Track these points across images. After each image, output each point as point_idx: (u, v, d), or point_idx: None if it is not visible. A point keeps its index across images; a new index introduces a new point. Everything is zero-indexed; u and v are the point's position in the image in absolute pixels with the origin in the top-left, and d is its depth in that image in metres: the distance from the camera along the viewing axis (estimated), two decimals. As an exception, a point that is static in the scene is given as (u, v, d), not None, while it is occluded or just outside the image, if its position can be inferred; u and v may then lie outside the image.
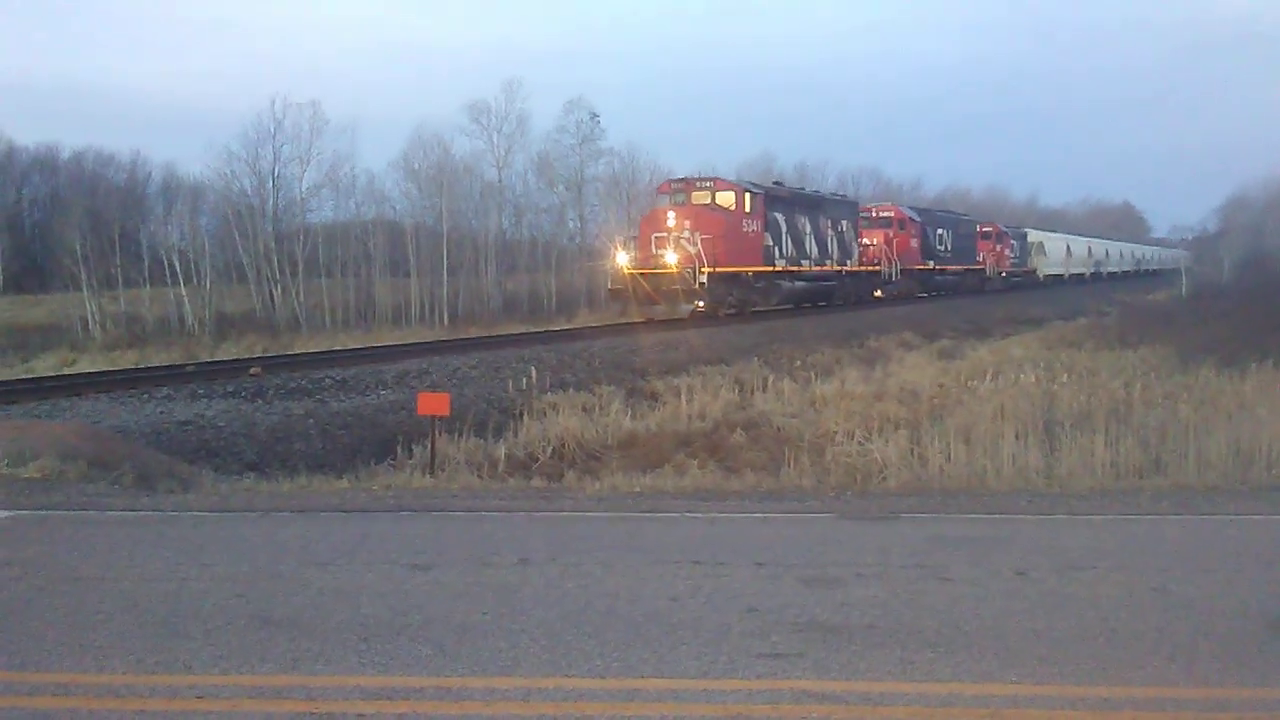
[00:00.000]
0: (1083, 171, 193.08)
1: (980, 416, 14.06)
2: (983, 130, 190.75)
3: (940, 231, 50.85)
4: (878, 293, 43.75)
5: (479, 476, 11.73)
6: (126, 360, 29.27)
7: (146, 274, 48.94)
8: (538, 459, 14.04)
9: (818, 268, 37.42)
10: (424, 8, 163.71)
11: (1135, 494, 9.41)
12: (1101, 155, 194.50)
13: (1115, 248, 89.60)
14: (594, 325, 30.81)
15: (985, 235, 58.57)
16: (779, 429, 15.54)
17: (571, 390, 18.97)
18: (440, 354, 20.91)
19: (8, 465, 10.27)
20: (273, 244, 49.99)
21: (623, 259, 30.52)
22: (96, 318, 44.32)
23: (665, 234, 30.00)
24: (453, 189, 53.05)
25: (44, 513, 8.66)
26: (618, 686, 4.77)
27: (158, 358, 30.61)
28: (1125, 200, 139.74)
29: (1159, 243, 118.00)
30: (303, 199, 53.25)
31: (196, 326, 44.92)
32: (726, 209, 31.46)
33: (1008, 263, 60.77)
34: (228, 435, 13.68)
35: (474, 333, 34.26)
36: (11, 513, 8.57)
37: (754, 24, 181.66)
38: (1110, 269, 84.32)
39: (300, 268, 49.60)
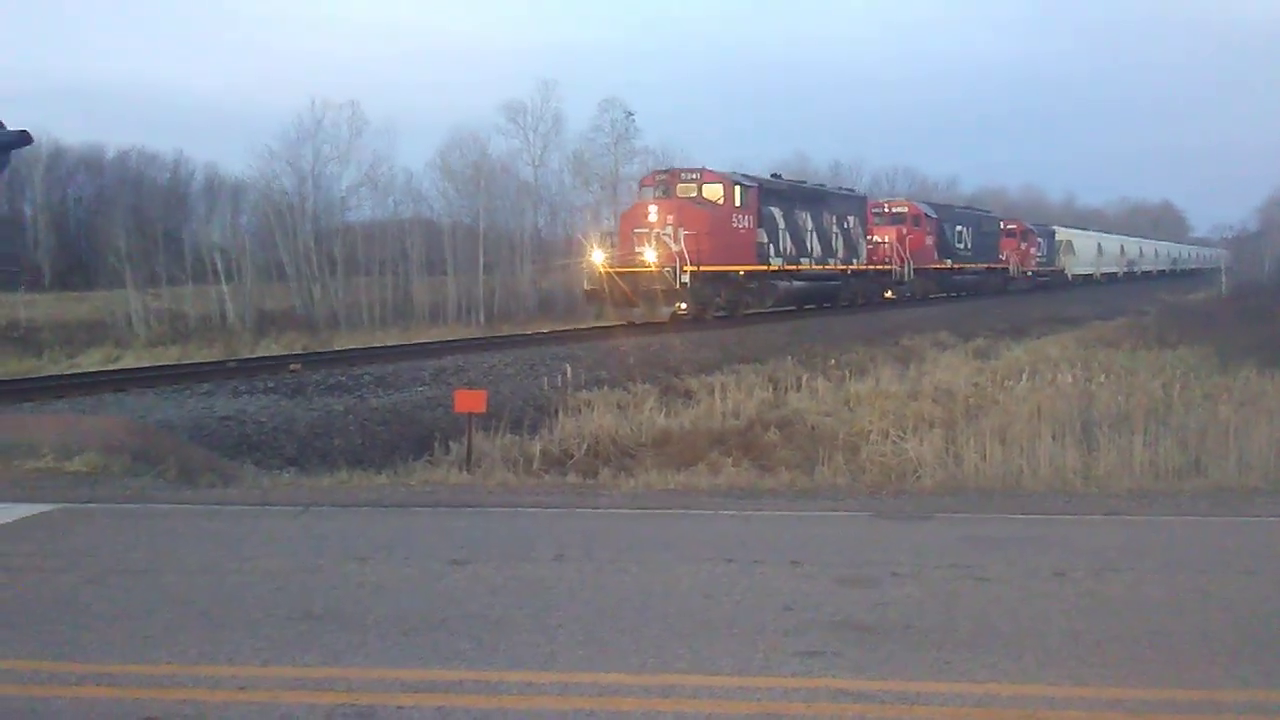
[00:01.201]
0: (1121, 171, 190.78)
1: (1016, 416, 13.95)
2: (1019, 129, 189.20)
3: (959, 228, 48.63)
4: (888, 293, 41.38)
5: (514, 473, 11.80)
6: (169, 356, 29.66)
7: (189, 272, 49.62)
8: (572, 456, 14.10)
9: (820, 266, 35.03)
10: (462, 9, 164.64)
11: (1175, 495, 9.31)
12: (1141, 154, 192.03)
13: (1150, 246, 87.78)
14: (623, 325, 29.05)
15: (1009, 233, 56.54)
16: (813, 427, 15.50)
17: (606, 388, 19.03)
18: (476, 351, 21.05)
19: (54, 459, 10.46)
20: (312, 242, 50.49)
21: (598, 257, 28.03)
22: (140, 314, 44.95)
23: (647, 230, 27.57)
24: (489, 188, 53.33)
25: (90, 506, 8.83)
26: (654, 683, 4.80)
27: (200, 354, 31.00)
28: (1165, 199, 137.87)
29: (1198, 242, 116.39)
30: (342, 198, 53.77)
31: (238, 323, 45.46)
32: (714, 203, 29.09)
33: (1033, 262, 58.87)
34: (268, 431, 13.85)
35: (509, 330, 34.38)
36: (58, 505, 8.74)
37: (790, 24, 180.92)
38: (1145, 268, 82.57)
39: (339, 266, 50.06)
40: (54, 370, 26.61)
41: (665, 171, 30.81)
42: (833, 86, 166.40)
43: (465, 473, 11.43)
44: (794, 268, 33.11)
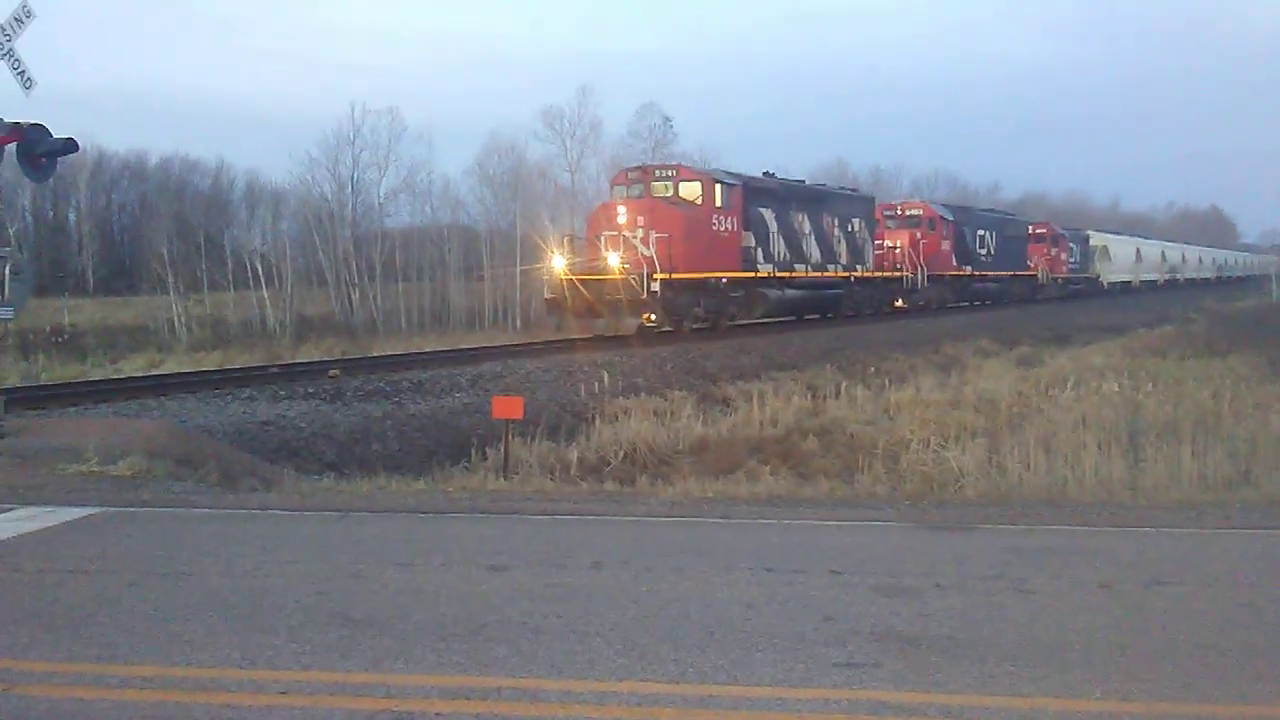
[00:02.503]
0: (1169, 176, 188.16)
1: (1061, 425, 13.80)
2: (1063, 134, 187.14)
3: (981, 233, 45.70)
4: (899, 302, 38.59)
5: (552, 480, 11.81)
6: (211, 361, 30.06)
7: (230, 277, 50.27)
8: (609, 463, 14.11)
9: (818, 273, 32.21)
10: (501, 15, 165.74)
11: (1224, 507, 9.12)
12: (1189, 159, 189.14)
13: (1194, 252, 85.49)
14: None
15: (1038, 238, 53.77)
16: (852, 436, 15.42)
17: (643, 394, 19.04)
18: (514, 357, 21.15)
19: (99, 463, 10.61)
20: (351, 248, 50.98)
21: (558, 262, 25.21)
22: (182, 319, 45.56)
23: (615, 233, 24.93)
24: (527, 193, 53.53)
25: (133, 509, 8.92)
26: (692, 692, 4.76)
27: (240, 359, 31.34)
28: (1213, 205, 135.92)
29: (1247, 248, 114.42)
30: (380, 204, 54.24)
31: (278, 329, 45.95)
32: (691, 203, 26.47)
33: (1064, 268, 56.18)
34: (308, 436, 13.98)
35: (546, 336, 34.44)
36: (102, 509, 8.85)
37: (830, 31, 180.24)
38: (1188, 275, 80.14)
39: (378, 271, 50.47)
40: (98, 375, 27.01)
41: (638, 168, 28.00)
42: (872, 92, 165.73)
43: (503, 479, 11.46)
44: (787, 274, 30.40)
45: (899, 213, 40.75)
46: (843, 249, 34.06)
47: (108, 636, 5.51)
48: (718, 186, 27.27)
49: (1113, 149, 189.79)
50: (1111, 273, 64.18)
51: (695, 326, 27.11)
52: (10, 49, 12.00)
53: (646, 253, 24.29)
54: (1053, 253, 54.94)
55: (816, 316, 33.01)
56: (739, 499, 9.68)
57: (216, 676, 4.94)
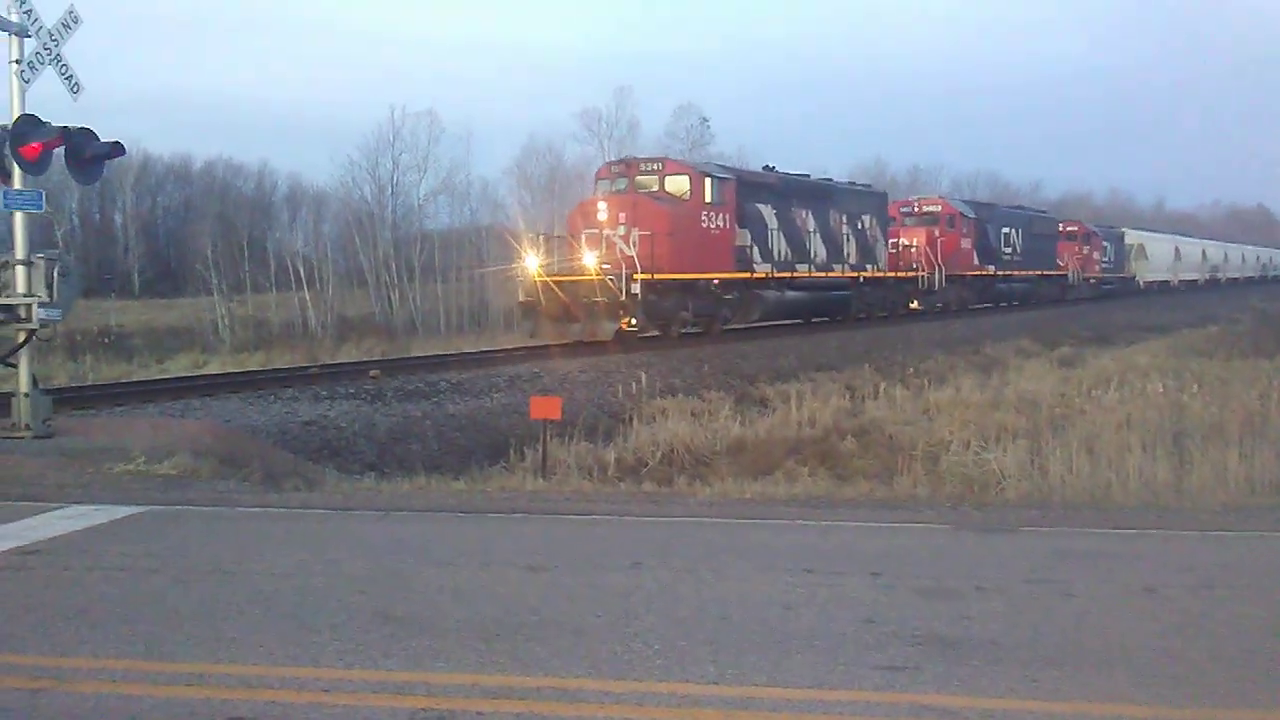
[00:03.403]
0: (1214, 175, 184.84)
1: (1104, 427, 13.62)
2: (1107, 133, 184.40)
3: (1006, 230, 43.37)
4: (914, 304, 36.48)
5: (590, 480, 11.84)
6: (253, 362, 30.46)
7: (272, 279, 50.89)
8: (647, 464, 14.12)
9: (822, 273, 30.10)
10: (538, 17, 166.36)
11: (1272, 510, 8.97)
12: (1235, 157, 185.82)
13: (1237, 251, 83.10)
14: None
15: (1068, 235, 51.32)
16: (891, 437, 15.31)
17: (680, 395, 19.03)
18: (551, 358, 21.17)
19: (145, 462, 10.78)
20: (391, 250, 51.41)
21: (532, 263, 23.30)
22: (226, 321, 46.20)
23: (596, 231, 23.18)
24: (564, 195, 53.66)
25: (178, 508, 9.05)
26: (732, 694, 4.76)
27: (282, 359, 31.70)
28: (1259, 203, 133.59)
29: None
30: (420, 206, 54.72)
31: (319, 330, 46.45)
32: (678, 198, 24.56)
33: (1096, 267, 54.00)
34: (349, 436, 14.12)
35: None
36: (148, 507, 8.98)
37: (870, 32, 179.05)
38: (1230, 274, 77.82)
39: (417, 272, 50.86)
40: (144, 375, 27.45)
41: (621, 161, 26.06)
42: (914, 94, 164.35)
43: (541, 479, 11.50)
44: (787, 275, 28.35)
45: (916, 209, 38.80)
46: (851, 248, 32.01)
47: (154, 633, 5.59)
48: (708, 180, 25.37)
49: (1158, 148, 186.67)
50: (1148, 272, 62.05)
51: (684, 331, 25.27)
52: (58, 54, 12.24)
53: (629, 252, 22.46)
54: (1084, 251, 52.58)
55: (827, 320, 31.49)
56: (777, 500, 9.65)
57: (261, 674, 5.00)
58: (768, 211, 27.77)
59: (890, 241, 35.06)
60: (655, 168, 25.24)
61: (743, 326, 28.28)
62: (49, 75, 12.24)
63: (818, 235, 30.02)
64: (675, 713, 4.57)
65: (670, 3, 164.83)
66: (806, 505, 9.28)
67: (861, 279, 32.54)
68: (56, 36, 12.20)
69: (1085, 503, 9.54)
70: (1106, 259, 56.19)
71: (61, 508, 8.86)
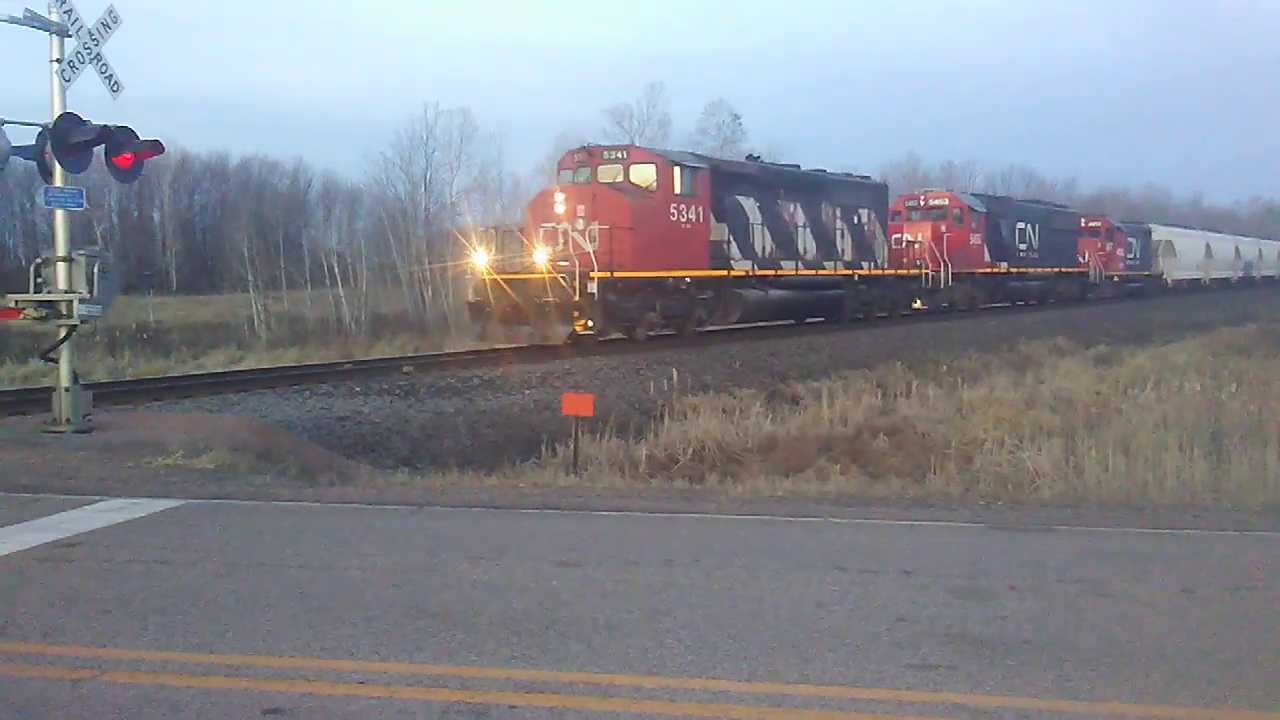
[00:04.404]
0: (1252, 170, 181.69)
1: (1140, 426, 13.49)
2: (1144, 129, 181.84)
3: (1021, 225, 41.74)
4: (917, 303, 34.82)
5: (621, 477, 11.87)
6: (289, 358, 30.68)
7: (307, 276, 51.31)
8: (678, 460, 14.14)
9: (812, 271, 28.20)
10: (569, 14, 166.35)
11: (1314, 511, 8.84)
12: (1274, 153, 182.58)
13: (1272, 248, 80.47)
14: (731, 329, 26.50)
15: (1090, 231, 49.67)
16: (924, 435, 15.25)
17: (711, 392, 19.03)
18: (583, 355, 21.22)
19: (183, 456, 10.91)
20: (424, 246, 51.67)
21: (481, 260, 21.63)
22: (261, 317, 46.61)
23: (554, 225, 21.47)
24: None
25: (216, 502, 9.16)
26: (764, 691, 4.76)
27: (317, 355, 31.96)
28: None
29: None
30: (452, 203, 54.90)
31: (353, 326, 46.77)
32: (644, 189, 22.68)
33: (1120, 264, 52.16)
34: (382, 431, 14.23)
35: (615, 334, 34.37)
36: (186, 501, 9.10)
37: (903, 29, 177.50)
38: (1266, 272, 75.35)
39: (450, 270, 51.09)
40: (181, 371, 27.77)
41: (584, 149, 24.03)
42: (947, 90, 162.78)
43: (572, 476, 11.53)
44: (771, 273, 26.46)
45: (921, 203, 37.15)
46: (846, 243, 30.07)
47: (193, 625, 5.67)
48: (677, 170, 23.40)
49: (1195, 143, 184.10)
50: (1177, 269, 60.06)
51: (651, 334, 23.47)
52: (98, 54, 12.40)
53: (586, 247, 20.84)
54: (1107, 248, 50.61)
55: (822, 319, 29.92)
56: (809, 498, 9.63)
57: (297, 665, 5.06)
58: (749, 204, 25.98)
59: (894, 237, 33.59)
60: (619, 156, 23.40)
61: (760, 326, 27.61)
62: (89, 74, 12.41)
63: (807, 230, 28.24)
64: (707, 709, 4.58)
65: (703, 1, 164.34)
66: (838, 503, 9.25)
67: (857, 277, 30.66)
68: (96, 36, 12.36)
69: (1121, 502, 9.45)
70: (1132, 256, 54.40)
71: (101, 501, 8.99)
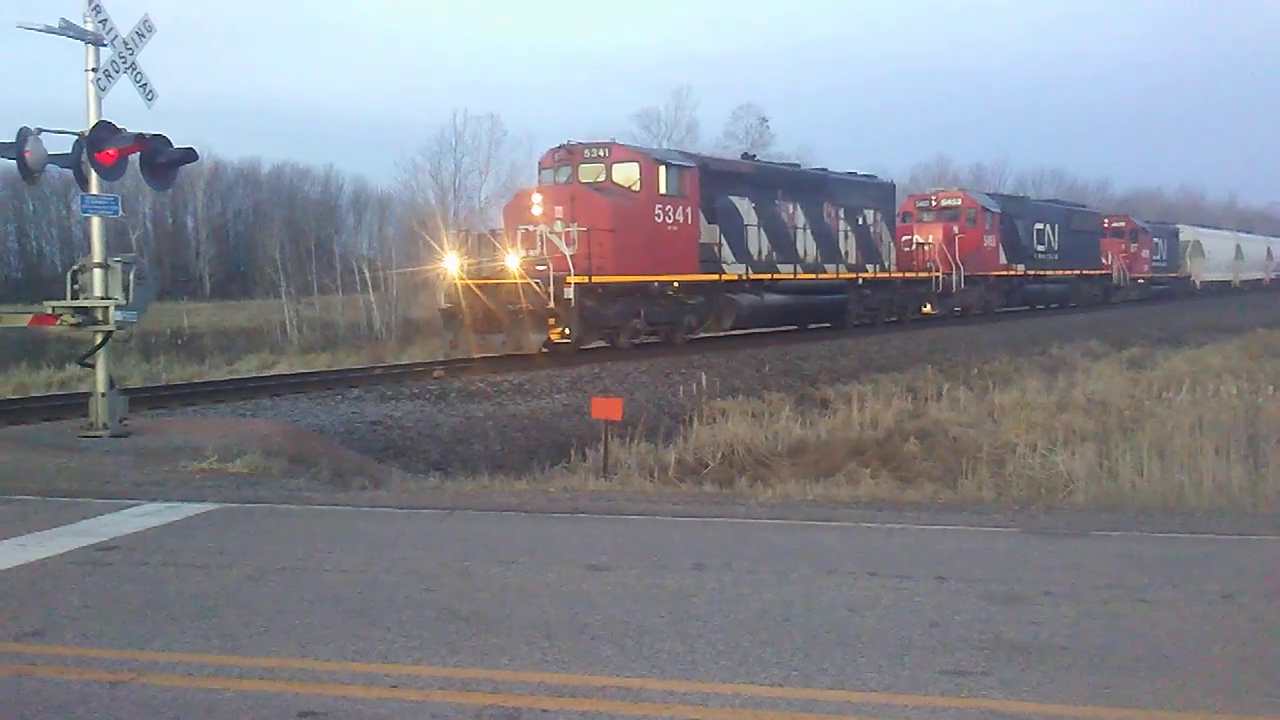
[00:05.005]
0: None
1: (1176, 429, 13.32)
2: (1178, 128, 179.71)
3: (1040, 226, 40.48)
4: (927, 308, 33.68)
5: (651, 481, 11.86)
6: (320, 363, 30.96)
7: (338, 281, 51.71)
8: (708, 465, 14.10)
9: (812, 274, 26.98)
10: (596, 20, 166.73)
11: (1355, 516, 8.69)
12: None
13: None
14: (762, 332, 26.79)
15: (1114, 232, 48.43)
16: (955, 439, 15.13)
17: (741, 397, 18.99)
18: (612, 359, 21.25)
19: (218, 460, 11.02)
20: (454, 252, 51.90)
21: (452, 264, 20.76)
22: (294, 322, 47.03)
23: (532, 227, 20.58)
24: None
25: (250, 505, 9.25)
26: (796, 696, 4.74)
27: (348, 360, 32.19)
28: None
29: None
30: (481, 209, 55.13)
31: (384, 331, 47.07)
32: (626, 189, 21.69)
33: (1146, 266, 50.84)
34: (413, 435, 14.31)
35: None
36: (221, 505, 9.18)
37: (932, 30, 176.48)
38: None
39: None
40: (215, 375, 28.07)
41: (563, 147, 22.68)
42: (977, 91, 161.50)
43: (602, 480, 11.54)
44: (766, 276, 25.32)
45: (933, 203, 36.00)
46: (850, 245, 28.88)
47: (229, 628, 5.72)
48: (662, 169, 22.27)
49: (1231, 143, 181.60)
50: (1205, 271, 58.76)
51: (635, 343, 22.31)
52: (133, 62, 12.56)
53: (566, 251, 19.88)
54: (1132, 249, 49.34)
55: (827, 325, 28.87)
56: (840, 502, 9.59)
57: (332, 669, 5.10)
58: (744, 205, 24.79)
59: (904, 239, 32.60)
60: (600, 154, 22.19)
61: (789, 330, 27.17)
62: (124, 83, 12.57)
63: (807, 231, 27.06)
64: (739, 714, 4.57)
65: (731, 4, 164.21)
66: (869, 507, 9.20)
67: (861, 280, 29.39)
68: (131, 45, 12.52)
69: (1157, 507, 9.33)
70: (1158, 257, 52.98)
71: (138, 505, 9.10)
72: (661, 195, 22.17)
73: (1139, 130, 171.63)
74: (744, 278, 24.56)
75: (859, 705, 4.63)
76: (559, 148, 22.69)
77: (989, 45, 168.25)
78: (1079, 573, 6.74)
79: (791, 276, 26.32)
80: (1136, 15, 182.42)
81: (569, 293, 19.45)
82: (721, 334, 25.28)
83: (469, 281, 20.32)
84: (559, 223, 20.39)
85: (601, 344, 22.25)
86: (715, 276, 23.56)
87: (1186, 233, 58.78)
